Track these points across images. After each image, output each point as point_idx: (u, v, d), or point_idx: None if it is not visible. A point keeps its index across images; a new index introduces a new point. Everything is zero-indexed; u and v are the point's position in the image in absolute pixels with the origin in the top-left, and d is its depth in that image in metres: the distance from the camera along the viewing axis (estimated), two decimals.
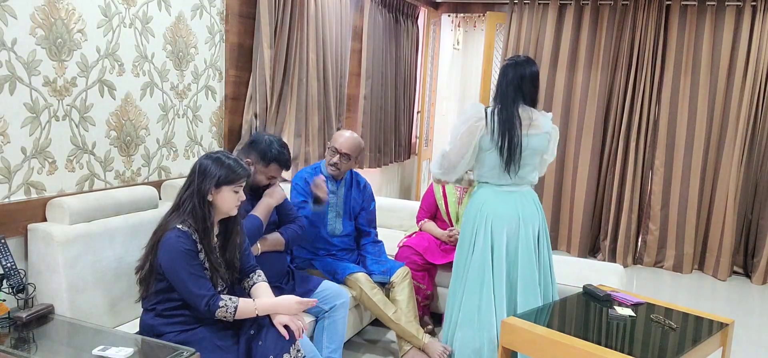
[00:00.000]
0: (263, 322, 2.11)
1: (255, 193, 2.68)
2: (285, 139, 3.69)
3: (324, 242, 3.13)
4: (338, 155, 3.05)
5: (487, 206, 2.74)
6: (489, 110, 2.70)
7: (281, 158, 2.67)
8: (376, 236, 3.33)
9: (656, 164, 5.30)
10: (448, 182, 2.90)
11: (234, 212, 2.15)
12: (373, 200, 3.33)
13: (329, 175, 3.13)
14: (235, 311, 2.06)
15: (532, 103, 2.72)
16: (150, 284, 2.10)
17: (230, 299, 2.07)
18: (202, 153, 3.02)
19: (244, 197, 2.16)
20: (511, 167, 2.68)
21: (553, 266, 2.89)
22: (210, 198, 2.10)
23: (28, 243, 2.26)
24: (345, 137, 3.08)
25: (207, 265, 2.10)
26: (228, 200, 2.11)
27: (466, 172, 3.00)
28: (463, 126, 2.68)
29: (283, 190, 2.75)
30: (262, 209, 2.64)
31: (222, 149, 3.09)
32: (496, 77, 2.71)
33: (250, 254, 2.33)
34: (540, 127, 2.72)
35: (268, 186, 2.71)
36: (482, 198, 2.78)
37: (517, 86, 2.67)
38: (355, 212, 3.25)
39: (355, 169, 3.34)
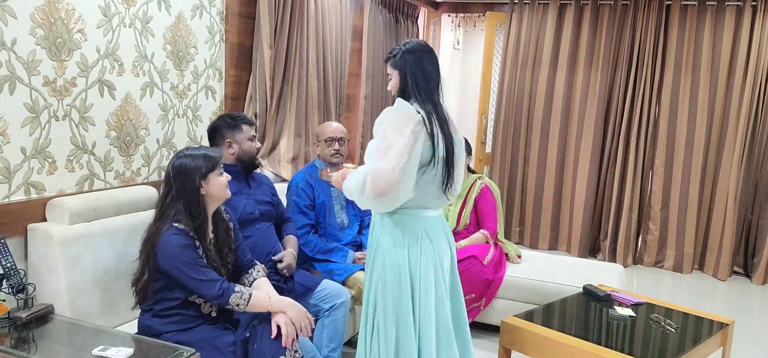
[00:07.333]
0: (258, 325, 2.11)
1: (250, 166, 2.75)
2: (285, 140, 3.71)
3: (333, 239, 3.14)
4: (337, 142, 3.13)
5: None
6: (422, 110, 1.98)
7: (242, 117, 2.76)
8: None
9: (656, 164, 5.30)
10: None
11: (228, 193, 2.19)
12: None
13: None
14: (249, 298, 2.06)
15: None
16: (148, 291, 2.10)
17: (244, 288, 2.08)
18: None
19: (229, 177, 2.22)
20: (449, 184, 2.04)
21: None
22: (203, 191, 2.12)
23: (28, 243, 2.26)
24: (334, 127, 3.18)
25: (205, 261, 2.10)
26: (218, 185, 2.14)
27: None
28: (400, 134, 1.91)
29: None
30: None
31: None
32: (408, 65, 2.03)
33: (245, 249, 2.33)
34: (456, 129, 2.13)
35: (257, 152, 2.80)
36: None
37: (435, 79, 2.05)
38: None
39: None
